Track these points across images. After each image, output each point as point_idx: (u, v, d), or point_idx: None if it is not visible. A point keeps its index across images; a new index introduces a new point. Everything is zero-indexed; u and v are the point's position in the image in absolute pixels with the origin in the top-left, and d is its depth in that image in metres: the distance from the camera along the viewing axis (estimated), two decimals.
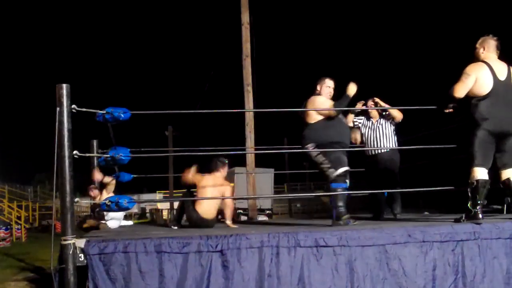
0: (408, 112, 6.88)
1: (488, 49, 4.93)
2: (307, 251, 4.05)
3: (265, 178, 22.16)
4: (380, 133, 6.93)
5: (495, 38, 4.98)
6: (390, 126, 6.94)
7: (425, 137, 7.43)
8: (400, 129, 7.08)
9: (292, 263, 4.02)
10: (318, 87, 5.71)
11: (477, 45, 5.00)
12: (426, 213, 7.95)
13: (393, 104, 6.98)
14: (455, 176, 5.04)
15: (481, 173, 4.72)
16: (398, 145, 6.95)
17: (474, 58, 4.99)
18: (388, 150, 6.85)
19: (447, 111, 5.28)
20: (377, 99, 6.92)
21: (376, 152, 6.93)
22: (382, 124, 6.95)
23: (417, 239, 4.19)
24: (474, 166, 4.74)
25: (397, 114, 6.87)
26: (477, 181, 4.69)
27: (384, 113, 6.99)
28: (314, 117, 5.58)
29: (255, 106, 12.89)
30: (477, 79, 4.79)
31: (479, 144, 4.74)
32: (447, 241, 4.23)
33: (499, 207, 6.37)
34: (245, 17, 13.26)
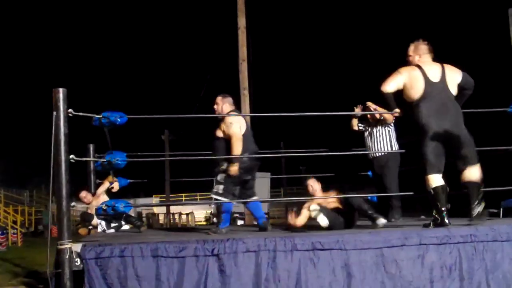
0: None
1: (423, 54, 4.98)
2: (304, 255, 4.05)
3: (262, 182, 22.13)
4: (375, 137, 6.96)
5: (425, 42, 5.03)
6: (385, 130, 6.95)
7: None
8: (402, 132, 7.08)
9: (289, 267, 4.01)
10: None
11: (411, 53, 5.05)
12: (422, 217, 7.95)
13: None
14: (451, 179, 5.03)
15: (436, 180, 4.72)
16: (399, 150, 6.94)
17: (407, 64, 5.04)
18: (382, 154, 6.88)
19: (398, 115, 5.27)
20: (369, 103, 6.97)
21: (373, 156, 6.97)
22: (377, 129, 6.98)
23: (413, 242, 4.19)
24: (428, 174, 4.74)
25: (387, 116, 6.83)
26: (435, 188, 4.69)
27: (380, 117, 6.99)
28: None
29: (251, 110, 12.91)
30: (408, 82, 4.85)
31: (429, 151, 4.73)
32: (443, 244, 4.23)
33: (495, 210, 6.39)
34: (242, 21, 13.28)
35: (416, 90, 4.81)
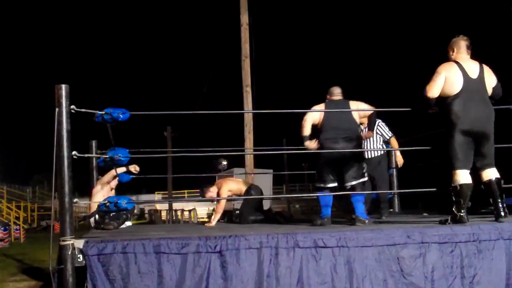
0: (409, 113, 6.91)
1: (459, 49, 4.93)
2: (306, 252, 4.05)
3: (264, 179, 22.11)
4: (368, 139, 7.01)
5: (465, 38, 4.97)
6: (377, 131, 7.10)
7: (426, 138, 7.48)
8: (402, 130, 7.22)
9: (291, 264, 4.02)
10: None
11: (448, 48, 5.01)
12: (425, 214, 7.95)
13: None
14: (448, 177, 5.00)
15: (463, 176, 4.69)
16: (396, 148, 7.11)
17: (447, 60, 4.99)
18: (377, 155, 7.08)
19: (431, 111, 5.25)
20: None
21: (367, 157, 7.04)
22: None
23: (416, 240, 4.19)
24: (456, 169, 4.70)
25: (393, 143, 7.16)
26: (461, 185, 4.66)
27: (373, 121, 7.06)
28: None
29: (254, 107, 12.90)
30: (447, 78, 4.78)
31: (457, 146, 4.71)
32: (446, 242, 4.23)
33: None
34: (244, 18, 13.27)
35: (455, 87, 4.76)
